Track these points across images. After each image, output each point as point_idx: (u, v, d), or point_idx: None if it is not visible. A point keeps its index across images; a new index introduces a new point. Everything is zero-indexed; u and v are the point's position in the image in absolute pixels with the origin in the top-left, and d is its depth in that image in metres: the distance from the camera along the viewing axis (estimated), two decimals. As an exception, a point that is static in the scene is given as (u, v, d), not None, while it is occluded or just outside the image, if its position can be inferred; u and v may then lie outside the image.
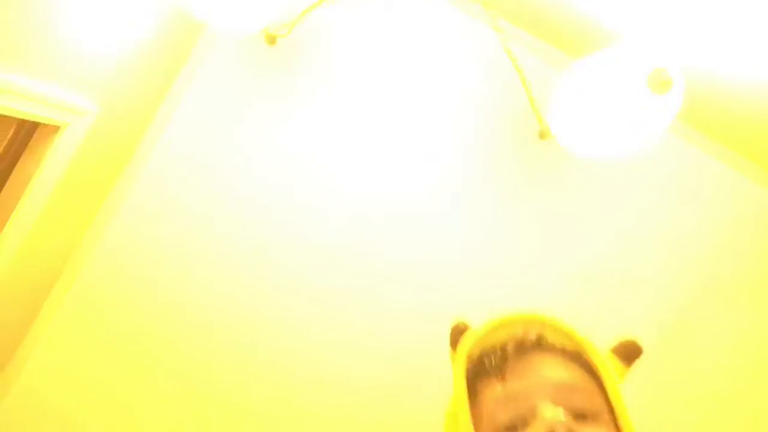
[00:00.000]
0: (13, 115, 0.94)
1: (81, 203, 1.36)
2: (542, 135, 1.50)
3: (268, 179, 1.46)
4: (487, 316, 0.66)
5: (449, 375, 0.61)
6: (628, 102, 1.17)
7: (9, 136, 1.12)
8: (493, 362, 0.59)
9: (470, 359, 0.60)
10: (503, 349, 0.59)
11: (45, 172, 1.10)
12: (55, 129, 1.10)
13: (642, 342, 0.67)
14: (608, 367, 0.59)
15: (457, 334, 0.64)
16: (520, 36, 1.48)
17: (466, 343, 0.61)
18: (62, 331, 1.41)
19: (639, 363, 0.67)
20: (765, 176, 1.64)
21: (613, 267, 1.62)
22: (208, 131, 1.46)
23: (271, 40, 1.43)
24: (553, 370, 0.57)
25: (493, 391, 0.57)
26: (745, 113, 1.43)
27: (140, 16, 1.14)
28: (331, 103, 1.45)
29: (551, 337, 0.62)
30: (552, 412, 0.50)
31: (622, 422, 0.56)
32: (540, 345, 0.60)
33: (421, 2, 1.50)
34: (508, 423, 0.54)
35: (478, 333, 0.62)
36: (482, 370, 0.59)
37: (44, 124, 1.08)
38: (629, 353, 0.66)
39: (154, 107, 1.45)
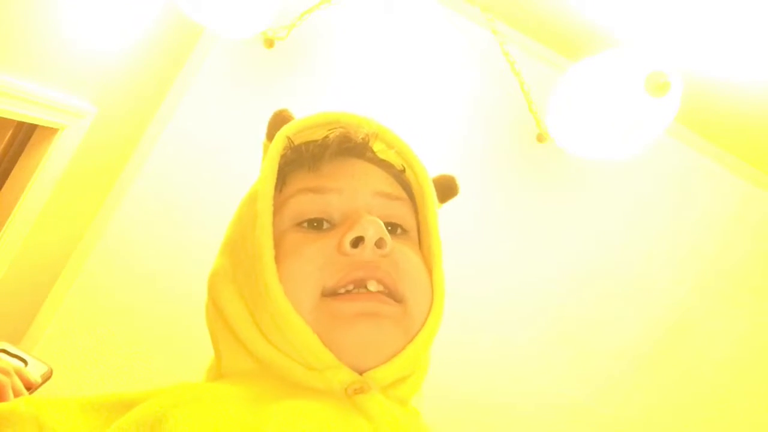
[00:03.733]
0: (11, 117, 0.94)
1: (79, 205, 1.36)
2: (540, 138, 1.50)
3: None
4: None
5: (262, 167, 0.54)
6: (625, 105, 1.17)
7: (7, 139, 1.12)
8: (311, 151, 0.53)
9: (288, 146, 0.54)
10: (325, 140, 0.54)
11: (43, 175, 1.10)
12: (54, 131, 1.09)
13: (459, 183, 0.62)
14: (432, 188, 0.55)
15: (277, 122, 0.57)
16: (518, 39, 1.48)
17: (290, 127, 0.54)
18: (61, 333, 1.41)
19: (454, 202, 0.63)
20: (762, 178, 1.65)
21: (612, 268, 1.63)
22: (205, 133, 1.46)
23: (269, 43, 1.43)
24: (373, 178, 0.53)
25: (304, 182, 0.52)
26: (742, 115, 1.43)
27: (139, 19, 1.14)
28: (329, 105, 1.45)
29: (378, 147, 0.57)
30: (369, 219, 0.46)
31: (433, 245, 0.53)
32: (364, 150, 0.55)
33: (418, 5, 1.50)
34: (313, 217, 0.50)
35: (305, 121, 0.55)
36: (297, 159, 0.54)
37: (42, 126, 1.08)
38: (445, 190, 0.61)
39: (153, 109, 1.45)
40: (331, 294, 0.46)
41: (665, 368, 1.65)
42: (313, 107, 0.60)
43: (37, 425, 0.37)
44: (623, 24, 1.29)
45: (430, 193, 0.55)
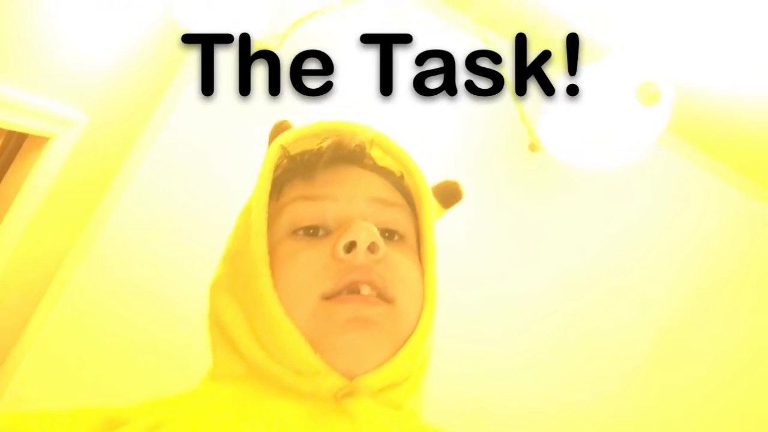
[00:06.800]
0: (0, 126, 0.93)
1: (70, 214, 1.35)
2: (532, 147, 1.51)
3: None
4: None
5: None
6: (617, 114, 1.18)
7: (-3, 148, 1.11)
8: (306, 160, 0.54)
9: (284, 155, 0.55)
10: (319, 149, 0.54)
11: (34, 184, 1.09)
12: (44, 140, 1.09)
13: (463, 189, 0.64)
14: (429, 194, 0.56)
15: (277, 133, 0.57)
16: (510, 49, 1.49)
17: (285, 137, 0.54)
18: (52, 340, 1.39)
19: (456, 208, 0.64)
20: (752, 187, 1.66)
21: (605, 277, 1.63)
22: (197, 142, 1.45)
23: (263, 52, 1.43)
24: (368, 185, 0.53)
25: (299, 190, 0.52)
26: (733, 125, 1.44)
27: (131, 27, 1.14)
28: (323, 113, 1.45)
29: (376, 154, 0.57)
30: (362, 224, 0.46)
31: (426, 251, 0.53)
32: (360, 157, 0.56)
33: (411, 16, 1.51)
34: (308, 224, 0.50)
35: (300, 130, 0.55)
36: (292, 168, 0.55)
37: (32, 135, 1.07)
38: (448, 195, 0.63)
39: (145, 118, 1.44)
40: (327, 298, 0.46)
41: (661, 375, 1.66)
42: (307, 115, 0.60)
43: None
44: (614, 33, 1.30)
45: (427, 199, 0.55)
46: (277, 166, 0.54)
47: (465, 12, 1.42)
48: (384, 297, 0.47)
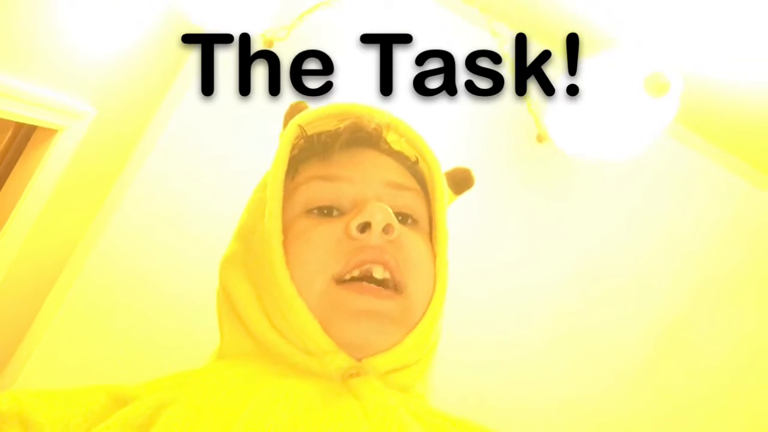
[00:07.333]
0: (10, 118, 0.94)
1: (79, 206, 1.36)
2: (540, 138, 1.50)
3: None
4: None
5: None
6: (625, 105, 1.17)
7: (6, 140, 1.12)
8: (323, 141, 0.54)
9: (301, 135, 0.55)
10: (337, 130, 0.54)
11: (42, 176, 1.10)
12: (53, 132, 1.09)
13: (475, 176, 0.64)
14: (442, 179, 0.56)
15: (293, 113, 0.57)
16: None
17: (303, 116, 0.55)
18: (62, 331, 1.40)
19: (468, 194, 0.65)
20: (761, 178, 1.65)
21: (612, 268, 1.63)
22: (204, 134, 1.46)
23: (269, 44, 1.43)
24: (384, 169, 0.53)
25: (315, 170, 0.52)
26: (741, 116, 1.43)
27: (138, 20, 1.14)
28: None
29: (392, 138, 0.57)
30: (377, 205, 0.46)
31: (439, 235, 0.53)
32: (377, 140, 0.56)
33: (417, 6, 1.50)
34: (323, 204, 0.50)
35: (318, 111, 0.55)
36: (309, 148, 0.54)
37: (41, 127, 1.08)
38: (460, 182, 0.63)
39: (152, 110, 1.44)
40: (339, 280, 0.46)
41: (666, 367, 1.65)
42: (313, 107, 0.60)
43: (21, 422, 0.36)
44: (623, 24, 1.29)
45: (441, 184, 0.55)
46: (293, 146, 0.54)
47: (472, 3, 1.41)
48: (395, 281, 0.47)
